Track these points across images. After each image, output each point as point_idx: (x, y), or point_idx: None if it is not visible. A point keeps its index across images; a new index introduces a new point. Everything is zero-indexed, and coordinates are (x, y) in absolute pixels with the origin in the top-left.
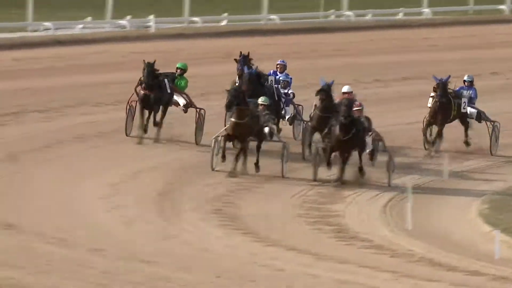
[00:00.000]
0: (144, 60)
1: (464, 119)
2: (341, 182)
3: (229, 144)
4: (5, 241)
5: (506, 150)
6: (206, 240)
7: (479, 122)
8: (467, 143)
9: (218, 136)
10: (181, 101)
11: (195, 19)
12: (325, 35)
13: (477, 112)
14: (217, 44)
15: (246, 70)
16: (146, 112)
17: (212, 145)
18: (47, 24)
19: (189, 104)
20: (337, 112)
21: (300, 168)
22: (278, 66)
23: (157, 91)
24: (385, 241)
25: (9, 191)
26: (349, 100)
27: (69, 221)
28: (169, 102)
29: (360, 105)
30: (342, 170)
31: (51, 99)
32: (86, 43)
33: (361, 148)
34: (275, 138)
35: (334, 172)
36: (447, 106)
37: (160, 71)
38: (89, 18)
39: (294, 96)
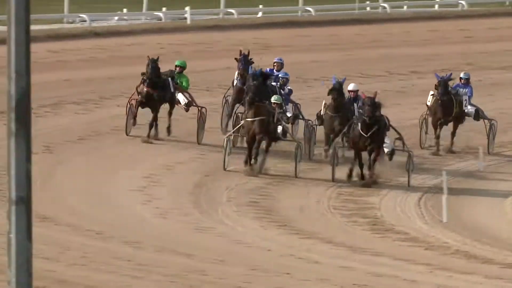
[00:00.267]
0: (148, 56)
1: (462, 117)
2: (362, 183)
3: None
4: (41, 233)
5: None
6: (241, 233)
7: (477, 120)
8: (451, 149)
9: (231, 135)
10: (182, 99)
11: (231, 10)
12: (361, 27)
13: (475, 110)
14: (253, 36)
15: (250, 70)
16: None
17: (225, 144)
18: (83, 16)
19: (190, 103)
20: (348, 110)
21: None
22: (275, 64)
23: (160, 89)
24: (420, 233)
25: (45, 183)
26: (372, 99)
27: (105, 213)
28: (173, 100)
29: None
30: (362, 169)
31: (88, 90)
32: (122, 35)
33: (380, 145)
34: (288, 137)
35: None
36: (449, 104)
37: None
38: (124, 10)
39: (291, 92)
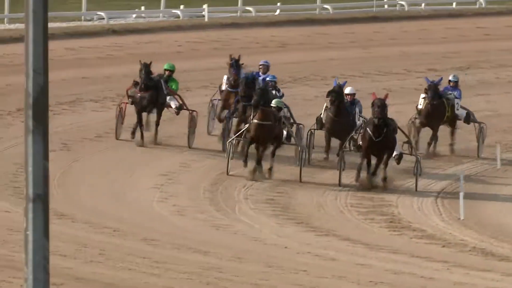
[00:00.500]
0: (140, 61)
1: (454, 120)
2: (370, 186)
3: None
4: (58, 230)
5: None
6: (258, 230)
7: (468, 123)
8: (452, 147)
9: (233, 139)
10: (174, 103)
11: (249, 8)
12: (379, 25)
13: (466, 113)
14: (271, 34)
15: (243, 74)
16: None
17: (228, 148)
18: (101, 13)
19: (181, 106)
20: (349, 113)
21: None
22: (260, 67)
23: (153, 91)
24: (437, 231)
25: (62, 181)
26: (383, 100)
27: (122, 210)
28: (164, 103)
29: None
30: (371, 172)
31: (106, 88)
32: (140, 33)
33: (391, 148)
34: (292, 141)
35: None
36: (440, 108)
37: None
38: (142, 8)
39: (283, 95)
